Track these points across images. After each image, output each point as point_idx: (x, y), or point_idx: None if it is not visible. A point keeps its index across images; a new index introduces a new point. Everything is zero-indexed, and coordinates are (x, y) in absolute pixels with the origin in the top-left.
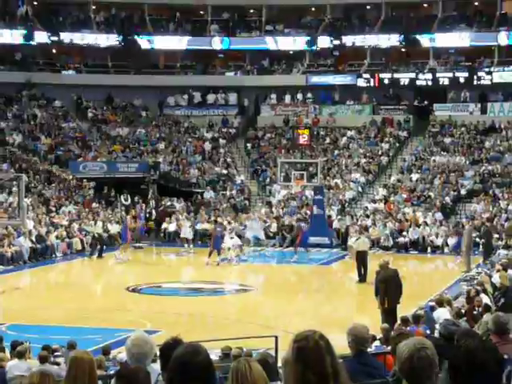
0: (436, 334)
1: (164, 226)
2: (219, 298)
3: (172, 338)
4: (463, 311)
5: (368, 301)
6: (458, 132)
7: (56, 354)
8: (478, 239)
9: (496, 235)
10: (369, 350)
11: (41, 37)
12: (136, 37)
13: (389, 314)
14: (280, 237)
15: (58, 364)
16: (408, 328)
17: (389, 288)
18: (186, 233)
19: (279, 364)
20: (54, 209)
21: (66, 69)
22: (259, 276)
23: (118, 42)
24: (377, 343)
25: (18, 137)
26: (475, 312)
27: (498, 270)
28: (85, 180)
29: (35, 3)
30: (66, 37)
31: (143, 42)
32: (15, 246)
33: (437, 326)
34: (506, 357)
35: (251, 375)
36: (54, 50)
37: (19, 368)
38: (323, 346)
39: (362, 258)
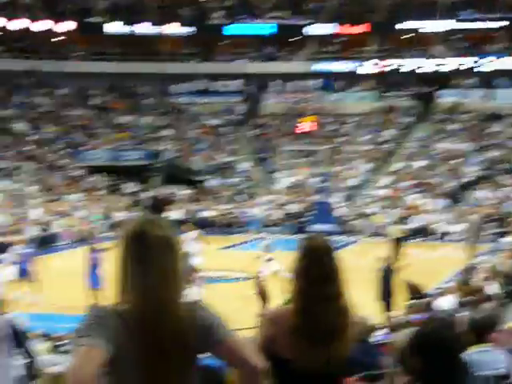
0: None
1: (166, 214)
2: (222, 286)
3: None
4: (466, 299)
5: (370, 289)
6: (463, 118)
7: (62, 342)
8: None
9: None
10: (375, 339)
11: (45, 24)
12: (139, 24)
13: (387, 305)
14: (284, 224)
15: (65, 353)
16: (411, 316)
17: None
18: None
19: None
20: (58, 197)
21: (70, 57)
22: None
23: (122, 30)
24: (384, 331)
25: (22, 125)
26: (477, 299)
27: (505, 258)
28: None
29: None
30: (70, 25)
31: (146, 29)
32: (21, 235)
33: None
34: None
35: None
36: (58, 38)
37: (54, 360)
38: (329, 247)
39: None
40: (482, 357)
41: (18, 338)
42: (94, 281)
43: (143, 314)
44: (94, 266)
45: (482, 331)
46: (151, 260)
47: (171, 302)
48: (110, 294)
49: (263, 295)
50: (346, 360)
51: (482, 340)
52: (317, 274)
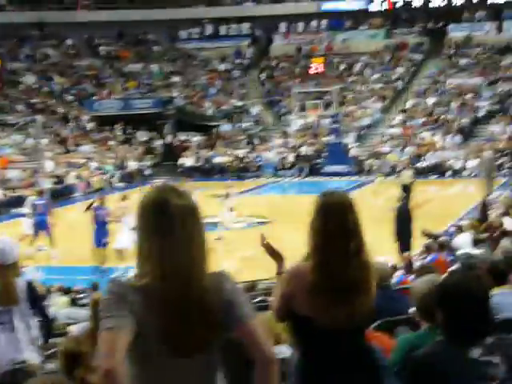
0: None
1: (181, 160)
2: (237, 231)
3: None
4: (482, 236)
5: (387, 229)
6: (474, 53)
7: (81, 295)
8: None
9: None
10: (392, 281)
11: None
12: None
13: (404, 245)
14: (297, 167)
15: (83, 306)
16: (430, 255)
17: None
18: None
19: None
20: (71, 148)
21: (76, 7)
22: (277, 207)
23: None
24: (400, 273)
25: (31, 77)
26: (495, 235)
27: None
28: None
29: None
30: None
31: None
32: (36, 188)
33: (458, 253)
34: None
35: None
36: None
37: (71, 315)
38: (348, 201)
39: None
40: (503, 299)
41: (34, 298)
42: (100, 239)
43: (168, 286)
44: (101, 223)
45: (501, 273)
46: (174, 230)
47: (196, 273)
48: (113, 253)
49: (274, 253)
50: (369, 314)
51: (502, 282)
52: (334, 229)
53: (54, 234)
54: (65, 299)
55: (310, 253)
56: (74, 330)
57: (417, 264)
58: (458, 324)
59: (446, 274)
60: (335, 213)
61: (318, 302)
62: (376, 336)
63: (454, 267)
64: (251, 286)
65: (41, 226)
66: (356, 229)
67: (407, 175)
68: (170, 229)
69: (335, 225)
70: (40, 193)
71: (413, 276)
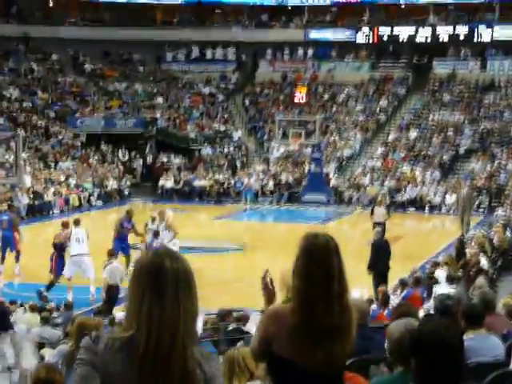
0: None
1: (161, 182)
2: (213, 256)
3: None
4: (457, 274)
5: (364, 262)
6: (457, 89)
7: (55, 315)
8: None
9: None
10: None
11: None
12: None
13: (380, 278)
14: (277, 194)
15: (56, 326)
16: (405, 290)
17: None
18: None
19: None
20: (51, 164)
21: (63, 23)
22: (254, 234)
23: None
24: (374, 306)
25: (14, 91)
26: (471, 273)
27: (497, 231)
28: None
29: None
30: None
31: None
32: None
33: (434, 289)
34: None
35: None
36: (51, 4)
37: (43, 334)
38: (332, 245)
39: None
40: (478, 343)
41: (5, 321)
42: (61, 267)
43: (152, 341)
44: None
45: (477, 316)
46: (165, 292)
47: (181, 337)
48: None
49: (268, 292)
50: (349, 357)
51: (478, 325)
52: (317, 273)
53: (20, 250)
54: (37, 317)
55: (292, 295)
56: (47, 355)
57: (392, 298)
58: (429, 372)
59: (421, 319)
60: (319, 256)
61: (298, 344)
62: (350, 377)
63: (429, 304)
64: (226, 314)
65: (5, 241)
66: (340, 272)
67: (380, 213)
68: (162, 290)
69: (319, 268)
70: (10, 207)
71: (387, 310)
